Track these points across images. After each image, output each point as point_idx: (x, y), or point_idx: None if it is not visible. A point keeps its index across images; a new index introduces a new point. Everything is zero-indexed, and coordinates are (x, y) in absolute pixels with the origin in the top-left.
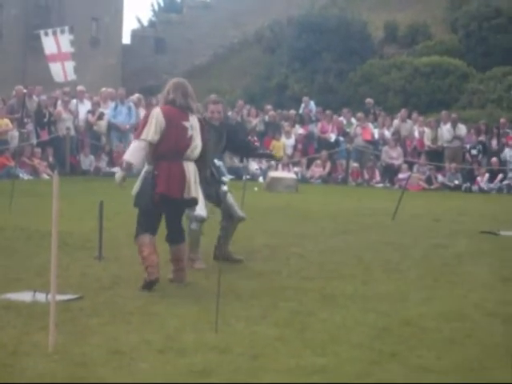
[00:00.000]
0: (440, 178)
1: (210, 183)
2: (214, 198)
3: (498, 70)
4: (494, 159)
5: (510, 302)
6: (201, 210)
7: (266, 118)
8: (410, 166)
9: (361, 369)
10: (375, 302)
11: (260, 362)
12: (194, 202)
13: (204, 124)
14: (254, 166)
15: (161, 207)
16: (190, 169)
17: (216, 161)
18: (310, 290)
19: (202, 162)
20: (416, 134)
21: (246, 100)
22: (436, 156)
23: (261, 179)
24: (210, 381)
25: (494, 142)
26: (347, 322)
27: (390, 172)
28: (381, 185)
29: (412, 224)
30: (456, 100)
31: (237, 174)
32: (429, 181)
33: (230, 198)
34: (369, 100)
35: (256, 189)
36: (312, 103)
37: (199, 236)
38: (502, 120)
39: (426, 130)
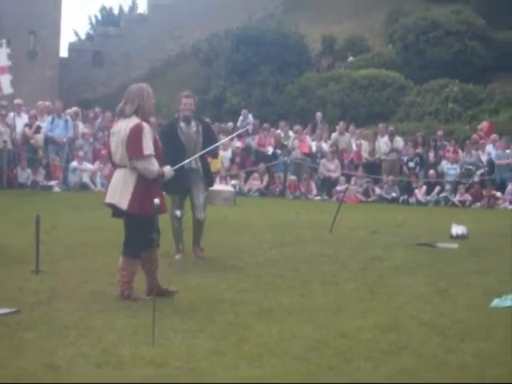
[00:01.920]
0: (377, 190)
1: (188, 175)
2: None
3: (435, 83)
4: (432, 172)
5: (446, 314)
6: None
7: None
8: (348, 178)
9: (298, 381)
10: (312, 314)
11: (197, 376)
12: (118, 209)
13: (135, 129)
14: None
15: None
16: (115, 175)
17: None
18: (247, 302)
19: (139, 169)
20: (353, 146)
21: None
22: (373, 168)
23: None
24: None
25: (432, 155)
26: (284, 335)
27: (327, 185)
28: (318, 197)
29: (349, 236)
30: (393, 112)
31: None
32: (366, 193)
33: (201, 199)
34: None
35: None
36: (250, 116)
37: (177, 232)
38: (439, 132)
39: (364, 142)
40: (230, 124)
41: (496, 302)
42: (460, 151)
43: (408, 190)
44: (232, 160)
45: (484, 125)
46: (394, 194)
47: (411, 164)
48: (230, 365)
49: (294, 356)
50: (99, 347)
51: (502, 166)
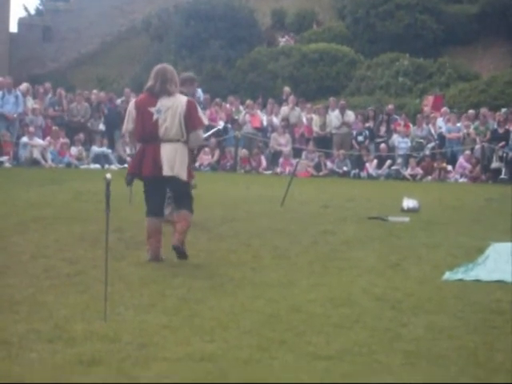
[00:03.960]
0: (329, 164)
1: None
2: None
3: (385, 57)
4: (383, 145)
5: (398, 288)
6: None
7: None
8: (299, 152)
9: (250, 355)
10: (264, 288)
11: (149, 351)
12: (176, 180)
13: (192, 104)
14: None
15: (147, 187)
16: (168, 150)
17: None
18: (198, 277)
19: (194, 137)
20: (304, 120)
21: (133, 88)
22: (324, 143)
23: None
24: (99, 370)
25: (383, 129)
26: (236, 309)
27: (278, 159)
28: (269, 172)
29: (301, 210)
30: (344, 87)
31: (125, 162)
32: (317, 167)
33: None
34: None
35: None
36: (200, 91)
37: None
38: (390, 106)
39: (314, 116)
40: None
41: (447, 275)
42: (411, 125)
43: (359, 163)
44: None
45: (428, 99)
46: (345, 168)
47: (360, 138)
48: (182, 339)
49: (245, 330)
50: (51, 323)
51: (453, 140)
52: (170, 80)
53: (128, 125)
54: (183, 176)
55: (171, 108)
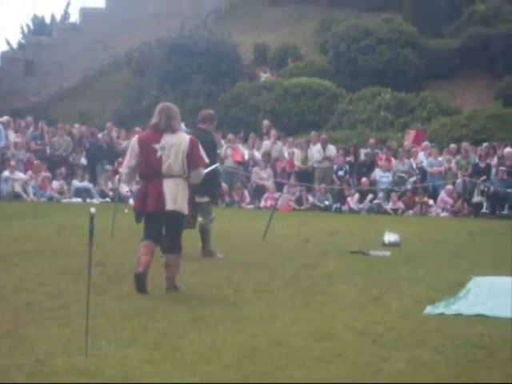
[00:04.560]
0: (310, 198)
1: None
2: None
3: (367, 91)
4: (364, 179)
5: (379, 322)
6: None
7: None
8: (280, 186)
9: None
10: (245, 322)
11: None
12: (177, 214)
13: (194, 142)
14: (124, 188)
15: (149, 220)
16: (170, 185)
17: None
18: (179, 311)
19: (195, 175)
20: (286, 154)
21: (115, 122)
22: (306, 177)
23: (131, 201)
24: None
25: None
26: (217, 343)
27: (260, 193)
28: (251, 206)
29: (282, 244)
30: (326, 121)
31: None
32: (299, 201)
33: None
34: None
35: (126, 210)
36: (183, 125)
37: (207, 233)
38: (371, 140)
39: (296, 150)
40: None
41: (429, 309)
42: (392, 159)
43: (340, 198)
44: None
45: (410, 133)
46: (326, 202)
47: (341, 173)
48: (164, 374)
49: (227, 364)
50: (32, 357)
51: (434, 174)
52: (175, 117)
53: (131, 161)
54: (184, 210)
55: (175, 145)
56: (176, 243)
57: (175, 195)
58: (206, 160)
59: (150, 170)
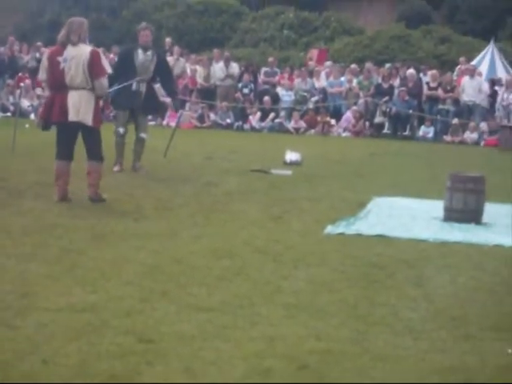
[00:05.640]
0: (212, 116)
1: (134, 96)
2: (130, 107)
3: (270, 9)
4: (266, 98)
5: (280, 240)
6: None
7: (37, 54)
8: (183, 103)
9: (131, 306)
10: (146, 239)
11: (29, 300)
12: (82, 126)
13: (95, 53)
14: (25, 103)
15: (59, 135)
16: (73, 97)
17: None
18: (80, 228)
19: (98, 85)
20: (188, 71)
21: (17, 36)
22: (208, 94)
23: (32, 116)
24: None
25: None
26: (117, 260)
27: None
28: (153, 122)
29: (183, 162)
30: (229, 39)
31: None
32: (201, 119)
33: (145, 120)
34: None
35: (27, 126)
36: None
37: (120, 147)
38: (271, 59)
39: (199, 68)
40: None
41: (329, 229)
42: (295, 78)
43: (243, 116)
44: None
45: (313, 52)
46: (228, 120)
47: (245, 90)
48: (64, 290)
49: (127, 281)
50: None
51: (335, 94)
52: (75, 31)
53: (42, 75)
54: (88, 121)
55: (76, 57)
56: (94, 151)
57: (78, 107)
58: (109, 70)
59: (56, 82)
